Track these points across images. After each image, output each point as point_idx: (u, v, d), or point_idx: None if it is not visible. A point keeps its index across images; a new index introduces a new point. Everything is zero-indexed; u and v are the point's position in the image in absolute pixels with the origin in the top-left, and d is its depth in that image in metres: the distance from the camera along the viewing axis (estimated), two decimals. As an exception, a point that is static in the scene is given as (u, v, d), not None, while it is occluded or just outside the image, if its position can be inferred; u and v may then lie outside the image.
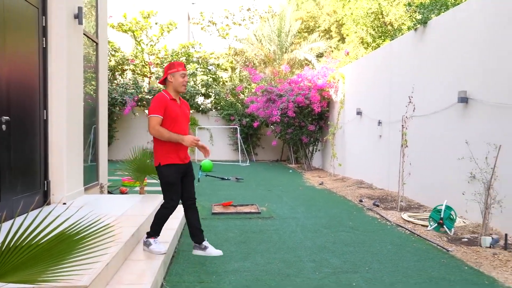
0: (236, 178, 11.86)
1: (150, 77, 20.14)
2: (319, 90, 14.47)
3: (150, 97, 18.46)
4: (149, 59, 19.81)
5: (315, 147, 16.00)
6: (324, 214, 7.28)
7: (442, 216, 6.00)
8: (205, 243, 4.58)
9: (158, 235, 4.42)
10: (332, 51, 20.86)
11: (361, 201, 8.54)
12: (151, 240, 4.32)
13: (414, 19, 9.78)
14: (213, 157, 18.95)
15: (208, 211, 7.29)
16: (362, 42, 16.30)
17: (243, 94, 19.94)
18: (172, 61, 5.02)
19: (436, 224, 6.06)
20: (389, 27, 15.23)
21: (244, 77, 21.12)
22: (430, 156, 7.89)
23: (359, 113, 11.69)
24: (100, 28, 7.92)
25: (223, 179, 11.85)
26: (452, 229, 5.97)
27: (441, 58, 7.55)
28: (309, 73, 15.24)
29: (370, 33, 15.61)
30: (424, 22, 8.13)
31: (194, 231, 4.55)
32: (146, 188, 8.20)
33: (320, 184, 11.44)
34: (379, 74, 10.49)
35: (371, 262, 4.66)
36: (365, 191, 9.80)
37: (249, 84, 20.12)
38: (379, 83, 10.45)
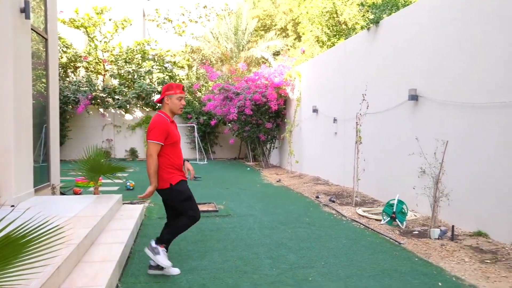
0: (194, 177, 11.75)
1: (104, 75, 19.62)
2: (276, 88, 14.58)
3: (104, 95, 17.98)
4: (103, 56, 19.29)
5: (272, 145, 16.12)
6: (281, 211, 7.35)
7: (394, 210, 6.20)
8: (162, 249, 4.36)
9: (168, 245, 4.25)
10: (289, 49, 21.06)
11: (317, 197, 8.68)
12: (160, 249, 4.12)
13: (367, 19, 10.03)
14: (170, 156, 18.74)
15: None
16: (317, 40, 16.56)
17: (200, 92, 19.80)
18: (168, 82, 4.87)
19: (389, 218, 6.25)
20: (344, 26, 15.55)
21: (201, 75, 20.98)
22: (383, 152, 8.12)
23: (315, 110, 11.87)
24: (50, 23, 7.63)
25: (180, 178, 11.70)
26: (404, 223, 6.18)
27: (393, 57, 7.78)
28: (266, 71, 15.32)
29: (325, 32, 15.88)
30: (376, 21, 8.35)
31: (165, 236, 4.32)
32: (100, 189, 7.99)
33: (277, 181, 11.53)
34: (334, 72, 10.69)
35: (327, 257, 4.75)
36: (321, 187, 9.97)
37: (206, 82, 20.01)
38: (334, 81, 10.65)
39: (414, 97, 6.97)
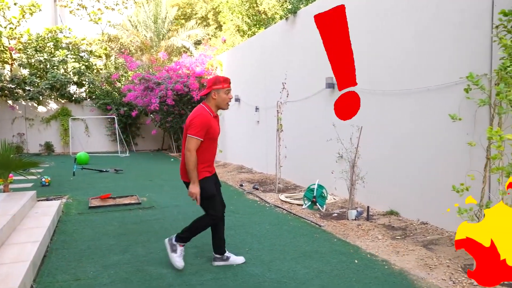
0: (115, 170, 11.38)
1: (12, 64, 18.23)
2: (197, 78, 14.47)
3: (13, 86, 16.70)
4: (10, 43, 17.90)
5: (196, 135, 16.00)
6: (206, 200, 7.34)
7: (315, 194, 6.45)
8: (228, 253, 4.27)
9: (186, 243, 4.14)
10: (210, 38, 20.93)
11: (241, 185, 8.79)
12: (179, 247, 4.06)
13: (285, 9, 10.23)
14: (89, 148, 17.95)
15: (84, 205, 6.91)
16: (238, 30, 16.61)
17: (119, 82, 19.11)
18: (215, 75, 4.35)
19: (310, 203, 6.49)
20: (264, 16, 15.74)
21: (120, 64, 20.23)
22: (303, 139, 8.39)
23: (237, 99, 11.94)
24: None
25: (101, 171, 11.28)
26: (324, 206, 6.46)
27: (311, 46, 8.03)
28: (187, 60, 15.14)
29: (245, 21, 15.97)
30: (294, 11, 8.55)
31: (220, 242, 4.21)
32: (11, 186, 7.49)
33: (202, 171, 11.49)
34: (255, 61, 10.82)
35: (251, 243, 4.84)
36: (245, 175, 10.10)
37: (125, 72, 19.34)
38: (255, 70, 10.78)
39: (330, 85, 7.25)
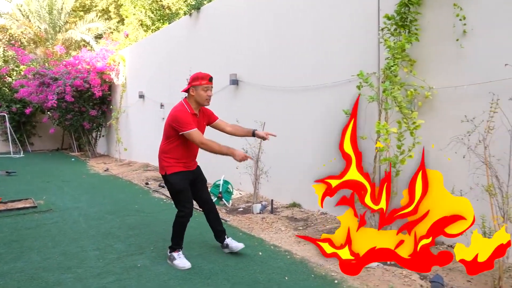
0: (7, 172, 10.49)
1: None
2: (99, 73, 13.82)
3: None
4: None
5: (99, 133, 15.33)
6: (109, 200, 7.08)
7: (220, 190, 6.51)
8: (227, 240, 4.31)
9: (181, 247, 4.11)
10: (112, 32, 20.06)
11: (147, 184, 8.60)
12: (174, 254, 4.04)
13: (189, 4, 10.15)
14: (-24, 150, 16.37)
15: None
16: (141, 24, 16.15)
17: (10, 77, 17.58)
18: (198, 71, 4.11)
19: (216, 198, 6.54)
20: (168, 11, 15.47)
21: (10, 57, 18.60)
22: (208, 135, 8.36)
23: (141, 96, 11.63)
24: None
25: (-11, 174, 10.36)
26: (230, 201, 6.55)
27: (214, 43, 8.06)
28: (87, 55, 14.41)
29: (149, 16, 15.58)
30: (197, 7, 8.51)
31: (215, 232, 4.35)
32: None
33: (105, 170, 11.06)
34: (159, 57, 10.61)
35: (157, 242, 4.77)
36: (151, 173, 9.89)
37: (17, 66, 17.83)
38: (160, 66, 10.57)
39: (234, 82, 7.35)
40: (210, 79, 4.01)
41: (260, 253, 4.29)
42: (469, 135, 3.46)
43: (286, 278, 3.65)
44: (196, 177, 4.29)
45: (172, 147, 4.01)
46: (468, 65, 3.96)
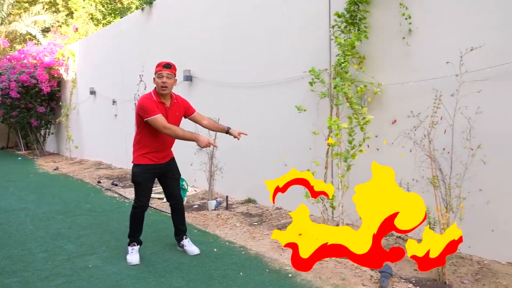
0: None
1: None
2: (47, 68, 13.30)
3: None
4: None
5: (47, 131, 14.77)
6: (58, 200, 6.85)
7: (175, 187, 6.43)
8: (185, 242, 4.25)
9: (136, 241, 4.11)
10: (60, 26, 19.32)
11: (99, 182, 8.38)
12: (129, 248, 4.06)
13: (140, -1, 9.93)
14: None
15: None
16: (92, 18, 15.66)
17: None
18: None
19: (170, 195, 6.46)
20: (119, 5, 15.08)
21: None
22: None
23: (92, 92, 11.30)
24: None
25: None
26: (185, 198, 6.49)
27: (168, 38, 7.94)
28: (34, 49, 13.83)
29: (99, 9, 15.13)
30: (149, 2, 8.35)
31: (177, 231, 4.32)
32: None
33: (55, 169, 10.68)
34: (110, 52, 10.34)
35: (109, 241, 4.66)
36: (104, 171, 9.64)
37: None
38: (111, 61, 10.31)
39: (188, 78, 7.28)
40: (165, 65, 3.99)
41: (215, 250, 4.29)
42: (415, 130, 3.60)
43: (241, 273, 3.67)
44: (167, 171, 4.26)
45: (141, 137, 3.99)
46: (414, 63, 4.10)
